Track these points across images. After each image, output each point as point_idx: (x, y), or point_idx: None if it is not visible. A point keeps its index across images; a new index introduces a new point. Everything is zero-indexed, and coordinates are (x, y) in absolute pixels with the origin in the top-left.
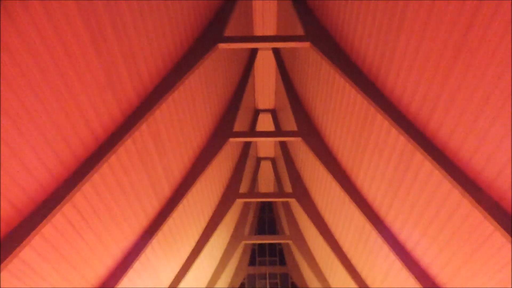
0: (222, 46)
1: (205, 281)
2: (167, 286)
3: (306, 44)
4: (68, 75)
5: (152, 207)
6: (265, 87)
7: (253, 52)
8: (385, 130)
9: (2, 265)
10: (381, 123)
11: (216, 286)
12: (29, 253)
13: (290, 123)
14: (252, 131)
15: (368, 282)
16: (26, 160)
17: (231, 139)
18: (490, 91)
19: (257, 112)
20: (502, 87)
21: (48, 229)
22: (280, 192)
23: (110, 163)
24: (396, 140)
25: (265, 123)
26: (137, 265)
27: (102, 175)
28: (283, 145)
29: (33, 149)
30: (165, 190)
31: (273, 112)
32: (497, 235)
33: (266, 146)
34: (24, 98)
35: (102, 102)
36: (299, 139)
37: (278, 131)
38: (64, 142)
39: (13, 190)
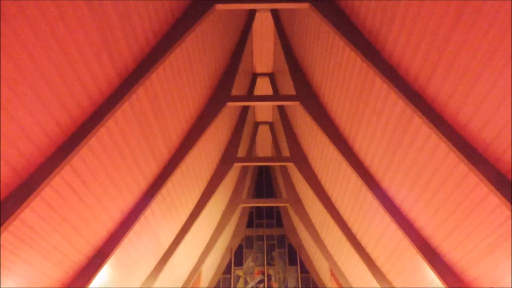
0: (219, 7)
1: (203, 243)
2: (167, 247)
3: (306, 5)
4: (63, 38)
5: (150, 170)
6: (263, 50)
7: (251, 14)
8: (384, 93)
9: (3, 226)
10: (380, 86)
11: (214, 247)
12: (29, 214)
13: (288, 87)
14: (250, 95)
15: (363, 243)
16: (24, 124)
17: (229, 103)
18: (490, 54)
19: (255, 76)
20: (502, 51)
21: (48, 192)
22: (277, 156)
23: (108, 126)
24: (395, 104)
25: (263, 87)
26: (137, 227)
27: (100, 139)
28: (281, 109)
29: (31, 113)
30: (164, 153)
31: (271, 76)
32: (492, 197)
33: (264, 110)
34: (20, 63)
35: (98, 65)
36: (297, 103)
37: (276, 95)
38: (61, 106)
39: (11, 153)
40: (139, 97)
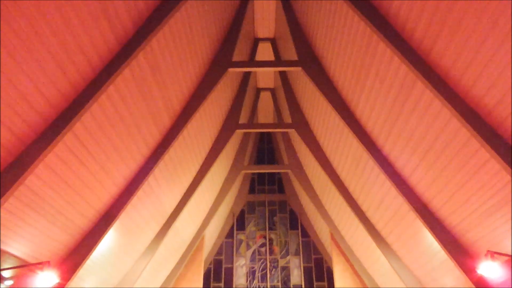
0: None
1: (206, 209)
2: (170, 212)
3: None
4: (61, 4)
5: (152, 137)
6: (265, 14)
7: None
8: (387, 58)
9: (9, 191)
10: (383, 51)
11: (217, 213)
12: (34, 180)
13: (290, 53)
14: (252, 61)
15: (364, 208)
16: (25, 91)
17: (230, 69)
18: (495, 18)
19: (256, 41)
20: (506, 17)
21: (51, 158)
22: (279, 122)
23: (108, 93)
24: (398, 69)
25: (264, 52)
26: (140, 193)
27: (101, 105)
28: (283, 75)
29: (32, 80)
30: (165, 120)
31: (273, 41)
32: (493, 163)
33: (265, 76)
34: (20, 31)
35: (97, 30)
36: (299, 68)
37: (278, 61)
38: (61, 72)
39: (14, 120)
40: (139, 63)
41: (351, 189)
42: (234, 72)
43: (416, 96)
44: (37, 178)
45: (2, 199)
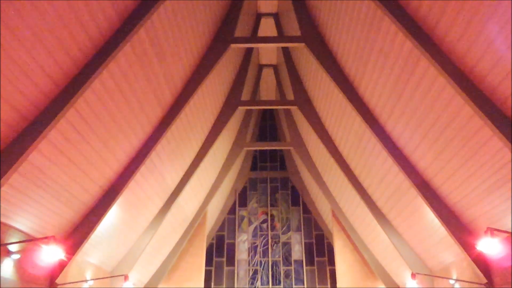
0: None
1: (209, 185)
2: (173, 189)
3: None
4: None
5: (154, 113)
6: None
7: None
8: (391, 34)
9: (12, 168)
10: (388, 27)
11: (219, 189)
12: (37, 157)
13: (293, 28)
14: (254, 37)
15: (365, 185)
16: (27, 68)
17: (232, 45)
18: None
19: (259, 17)
20: None
21: (54, 135)
22: (282, 99)
23: (110, 69)
24: (402, 45)
25: (267, 28)
26: (143, 169)
27: (103, 81)
28: (285, 51)
29: (33, 57)
30: (167, 96)
31: (276, 17)
32: (495, 141)
33: (268, 53)
34: (21, 8)
35: (98, 6)
36: (302, 44)
37: (281, 37)
38: (62, 49)
39: (16, 97)
40: (140, 38)
41: (352, 166)
42: (237, 48)
43: (420, 73)
44: (41, 155)
45: (6, 175)
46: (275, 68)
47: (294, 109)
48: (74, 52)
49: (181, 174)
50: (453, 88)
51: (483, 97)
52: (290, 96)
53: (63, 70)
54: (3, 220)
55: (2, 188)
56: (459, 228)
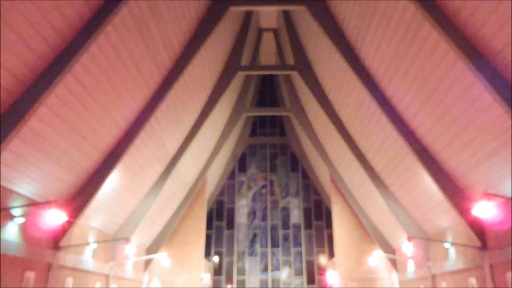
0: None
1: (208, 151)
2: (173, 154)
3: None
4: None
5: (153, 78)
6: None
7: None
8: None
9: (11, 133)
10: None
11: (219, 155)
12: (37, 122)
13: None
14: None
15: (364, 151)
16: (22, 32)
17: (232, 8)
18: None
19: None
20: None
21: (53, 100)
22: (282, 64)
23: (107, 32)
24: (405, 9)
25: None
26: (142, 135)
27: (100, 45)
28: (286, 15)
29: (28, 21)
30: (166, 61)
31: None
32: (495, 107)
33: (268, 16)
34: None
35: None
36: (303, 7)
37: None
38: (58, 12)
39: (12, 62)
40: (137, 1)
41: (352, 132)
42: (236, 11)
43: (422, 37)
44: (40, 121)
45: (6, 140)
46: (275, 32)
47: (294, 74)
48: (71, 15)
49: (180, 139)
50: (455, 53)
51: (485, 62)
52: (290, 61)
53: (59, 34)
54: (5, 184)
55: (2, 153)
56: (456, 194)
